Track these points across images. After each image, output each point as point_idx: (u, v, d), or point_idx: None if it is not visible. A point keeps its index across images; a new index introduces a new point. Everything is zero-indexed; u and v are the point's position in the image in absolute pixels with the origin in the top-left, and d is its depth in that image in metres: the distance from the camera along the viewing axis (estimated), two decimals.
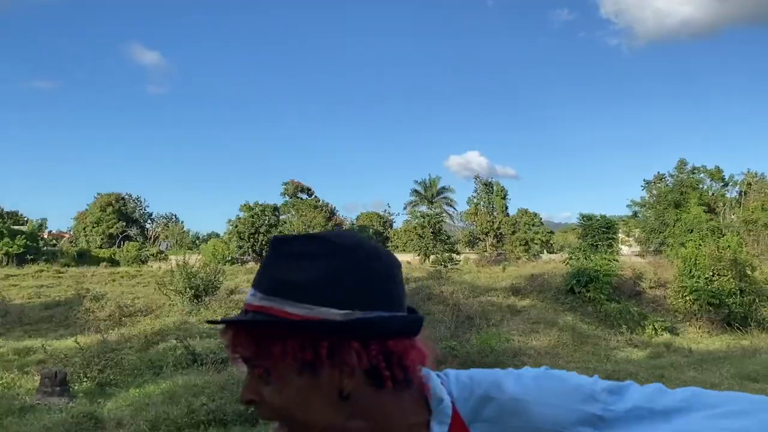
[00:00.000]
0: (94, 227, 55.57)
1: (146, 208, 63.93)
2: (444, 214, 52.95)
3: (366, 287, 0.81)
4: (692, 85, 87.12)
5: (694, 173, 41.80)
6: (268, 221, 48.55)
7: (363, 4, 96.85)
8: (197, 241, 60.48)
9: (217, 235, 55.70)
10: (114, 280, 28.17)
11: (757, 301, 18.68)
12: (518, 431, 0.84)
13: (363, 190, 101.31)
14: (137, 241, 53.38)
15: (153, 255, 47.99)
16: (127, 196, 60.66)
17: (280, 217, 51.00)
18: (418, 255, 45.00)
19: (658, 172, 43.19)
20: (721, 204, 41.23)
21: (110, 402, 8.66)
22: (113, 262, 44.46)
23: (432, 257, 40.26)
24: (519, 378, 0.88)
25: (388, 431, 0.83)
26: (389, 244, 53.33)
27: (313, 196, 53.51)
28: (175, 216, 65.51)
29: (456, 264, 33.63)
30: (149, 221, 64.04)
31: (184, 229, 63.09)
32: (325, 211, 52.04)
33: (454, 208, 57.19)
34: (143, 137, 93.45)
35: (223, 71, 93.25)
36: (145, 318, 17.44)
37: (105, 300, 20.29)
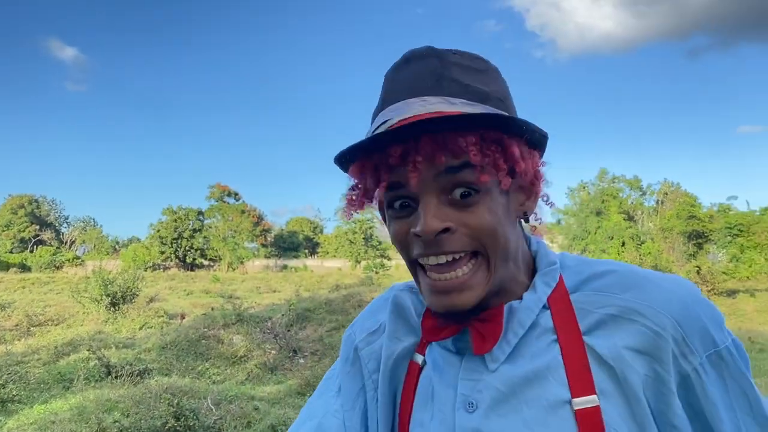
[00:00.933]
0: (3, 231, 52.53)
1: (62, 211, 61.33)
2: (375, 220, 52.89)
3: (515, 109, 0.80)
4: (612, 97, 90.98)
5: (614, 182, 43.40)
6: (192, 226, 47.07)
7: (292, 9, 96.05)
8: (117, 246, 58.07)
9: (139, 240, 53.64)
10: (24, 287, 26.86)
11: None
12: (623, 305, 0.75)
13: (293, 195, 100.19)
14: (51, 246, 50.71)
15: (68, 260, 45.59)
16: (41, 198, 57.86)
17: (205, 222, 49.57)
18: (349, 261, 44.77)
19: (582, 181, 44.69)
20: (640, 212, 43.01)
21: (11, 420, 7.99)
22: (24, 268, 42.24)
23: (363, 263, 40.08)
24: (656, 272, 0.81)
25: (516, 276, 0.80)
26: (320, 249, 52.88)
27: (240, 201, 52.31)
28: (93, 220, 63.04)
29: (387, 270, 33.59)
30: (65, 225, 61.24)
31: (103, 233, 60.44)
32: (253, 216, 50.99)
33: None
34: (60, 136, 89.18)
35: (146, 70, 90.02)
36: (56, 327, 16.40)
37: (12, 308, 19.02)
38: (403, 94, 0.73)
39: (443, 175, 0.71)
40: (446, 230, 0.72)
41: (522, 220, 0.82)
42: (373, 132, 0.73)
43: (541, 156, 0.79)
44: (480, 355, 0.78)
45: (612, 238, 33.94)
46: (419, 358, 0.86)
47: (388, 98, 0.75)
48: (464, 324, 0.78)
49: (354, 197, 0.80)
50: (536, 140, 0.76)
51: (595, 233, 37.23)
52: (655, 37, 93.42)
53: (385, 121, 0.72)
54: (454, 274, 0.73)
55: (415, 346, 0.87)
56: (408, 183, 0.72)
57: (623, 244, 28.58)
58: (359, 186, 0.79)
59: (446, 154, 0.70)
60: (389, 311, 0.91)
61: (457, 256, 0.73)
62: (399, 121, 0.70)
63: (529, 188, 0.79)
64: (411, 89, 0.72)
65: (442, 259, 0.73)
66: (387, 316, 0.91)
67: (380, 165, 0.73)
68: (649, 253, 20.93)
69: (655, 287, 0.76)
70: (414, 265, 0.77)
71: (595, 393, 0.72)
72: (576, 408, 0.72)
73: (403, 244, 0.76)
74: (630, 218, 40.44)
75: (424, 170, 0.70)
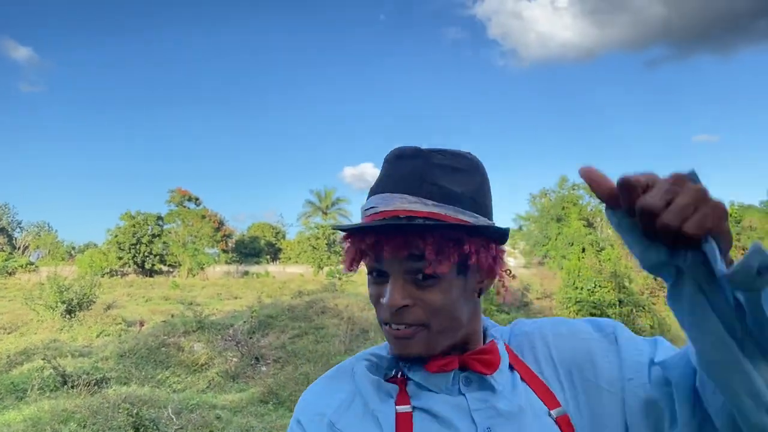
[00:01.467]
0: None
1: (15, 216, 59.46)
2: None
3: (491, 200, 0.95)
4: (572, 105, 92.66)
5: (574, 189, 44.17)
6: (151, 231, 46.19)
7: (253, 13, 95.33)
8: (73, 252, 56.61)
9: (95, 246, 52.38)
10: None
11: (634, 311, 19.82)
12: (528, 330, 1.02)
13: (255, 200, 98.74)
14: (4, 252, 49.13)
15: (22, 266, 44.19)
16: None
17: (165, 227, 48.70)
18: (312, 267, 44.54)
19: (543, 187, 45.37)
20: (599, 219, 43.83)
21: None
22: None
23: (326, 269, 39.89)
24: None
25: (476, 335, 0.98)
26: (282, 255, 52.51)
27: (201, 206, 51.57)
28: (48, 224, 61.20)
29: (350, 276, 33.45)
30: (18, 230, 59.47)
31: (58, 238, 58.87)
32: (213, 221, 50.33)
33: (349, 219, 57.21)
34: (13, 139, 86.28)
35: (103, 71, 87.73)
36: (8, 336, 15.88)
37: None
38: (389, 186, 0.89)
39: (407, 261, 0.87)
40: (405, 306, 0.89)
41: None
42: (364, 210, 0.92)
43: (501, 243, 0.96)
44: (483, 383, 0.93)
45: (572, 244, 34.49)
46: (405, 408, 0.93)
47: (379, 186, 0.91)
48: (462, 359, 0.94)
49: (348, 258, 0.94)
50: (494, 236, 0.93)
51: (556, 239, 37.81)
52: (614, 47, 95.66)
53: (373, 207, 0.89)
54: (407, 332, 0.91)
55: (394, 402, 0.94)
56: (380, 264, 0.90)
57: (583, 250, 28.99)
58: (351, 249, 0.94)
59: (409, 249, 0.86)
60: (367, 383, 0.96)
61: (412, 327, 0.90)
62: (381, 211, 0.88)
63: (486, 272, 0.94)
64: (396, 185, 0.88)
65: (399, 329, 0.90)
66: (364, 389, 0.95)
67: (363, 244, 0.90)
68: (609, 259, 21.30)
69: (563, 321, 1.03)
70: (381, 322, 0.94)
71: (560, 405, 0.92)
72: (555, 416, 0.91)
73: (375, 304, 0.94)
74: (590, 225, 41.20)
75: (390, 257, 0.88)
